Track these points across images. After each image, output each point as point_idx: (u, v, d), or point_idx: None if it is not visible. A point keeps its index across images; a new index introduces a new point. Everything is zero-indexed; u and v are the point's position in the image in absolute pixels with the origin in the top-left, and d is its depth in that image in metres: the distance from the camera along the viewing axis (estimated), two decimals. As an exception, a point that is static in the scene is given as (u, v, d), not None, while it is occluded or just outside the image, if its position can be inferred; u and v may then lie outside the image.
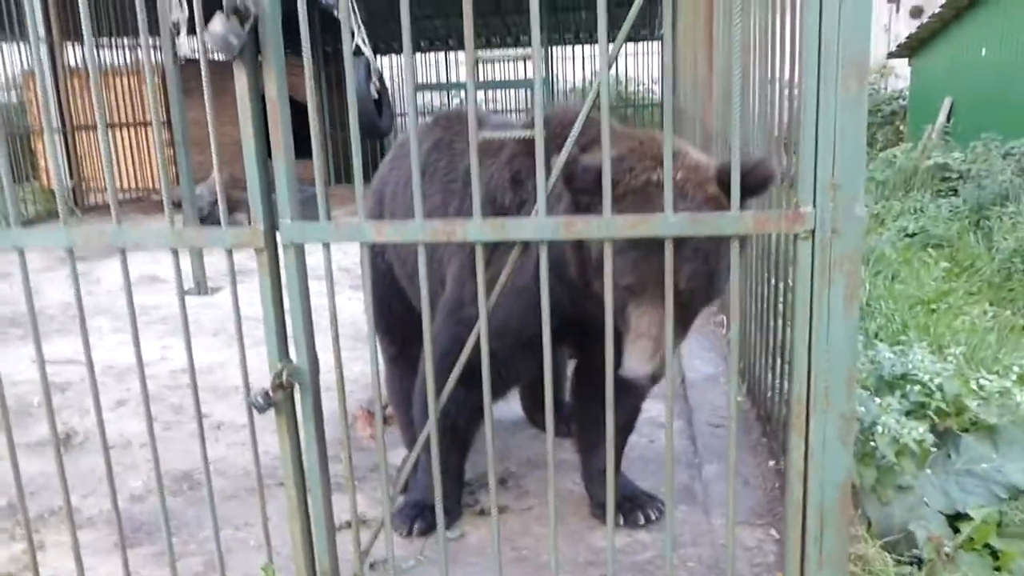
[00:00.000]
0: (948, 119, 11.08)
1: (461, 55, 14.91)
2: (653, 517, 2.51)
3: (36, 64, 1.95)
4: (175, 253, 1.96)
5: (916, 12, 16.36)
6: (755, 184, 1.80)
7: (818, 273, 1.68)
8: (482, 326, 1.85)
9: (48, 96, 2.08)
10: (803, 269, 1.70)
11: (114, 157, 11.47)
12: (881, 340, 3.88)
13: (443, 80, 15.37)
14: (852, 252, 1.67)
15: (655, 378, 1.98)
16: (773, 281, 2.92)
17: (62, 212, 2.04)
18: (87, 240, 2.01)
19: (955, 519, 2.59)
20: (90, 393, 3.72)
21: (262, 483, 2.07)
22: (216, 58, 1.84)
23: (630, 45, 14.03)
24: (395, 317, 2.89)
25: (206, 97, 1.87)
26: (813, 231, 1.67)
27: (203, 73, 1.85)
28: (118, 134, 11.35)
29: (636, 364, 1.94)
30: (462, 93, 14.58)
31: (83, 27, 1.87)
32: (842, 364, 1.73)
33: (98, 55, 11.31)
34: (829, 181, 1.63)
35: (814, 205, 1.66)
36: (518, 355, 2.30)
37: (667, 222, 1.70)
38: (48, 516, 2.76)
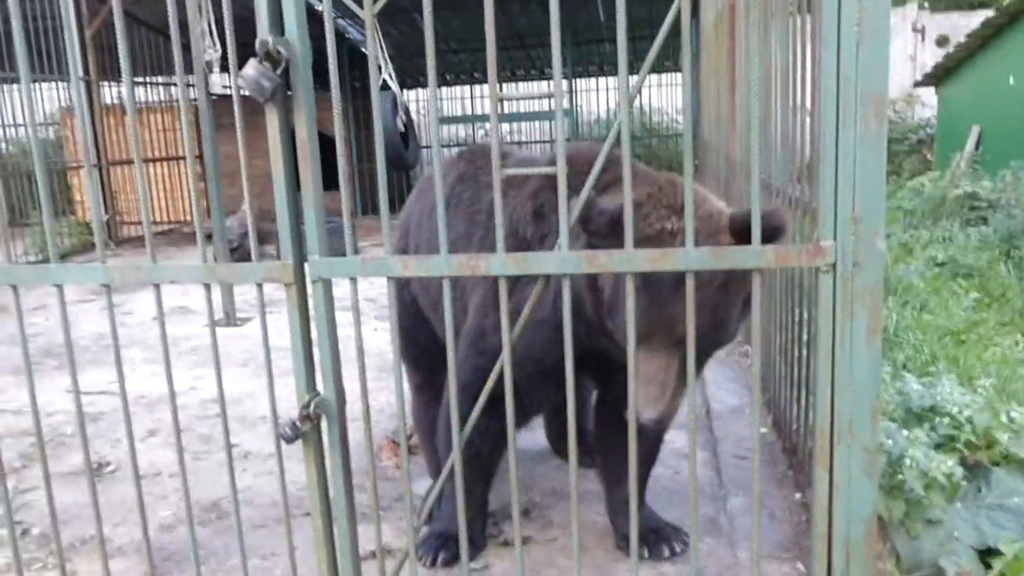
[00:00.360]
0: (976, 147, 11.00)
1: (486, 88, 15.12)
2: (678, 550, 2.50)
3: (76, 102, 2.04)
4: (207, 287, 2.02)
5: (942, 41, 16.32)
6: (766, 234, 1.83)
7: (840, 306, 1.69)
8: (505, 357, 1.87)
9: (87, 134, 2.16)
10: (825, 302, 1.71)
11: (153, 191, 11.74)
12: (909, 371, 3.84)
13: (468, 112, 15.56)
14: (874, 285, 1.68)
15: (662, 422, 1.99)
16: (798, 312, 2.92)
17: (100, 249, 2.11)
18: (123, 276, 2.07)
19: (986, 554, 2.55)
20: (121, 424, 3.80)
21: (288, 513, 2.10)
22: (242, 96, 1.91)
23: (654, 76, 14.14)
24: (420, 347, 2.93)
25: (239, 134, 1.94)
26: (834, 265, 1.68)
27: (236, 111, 1.92)
28: (151, 169, 11.61)
29: (642, 408, 1.98)
30: (487, 125, 14.78)
31: (122, 67, 1.95)
32: (866, 397, 1.73)
33: (133, 93, 11.63)
34: (850, 215, 1.65)
35: (835, 239, 1.67)
36: (538, 385, 2.33)
37: (688, 256, 1.72)
38: (80, 545, 2.81)
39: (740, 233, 1.85)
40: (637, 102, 14.74)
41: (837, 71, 1.62)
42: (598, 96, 14.74)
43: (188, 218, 12.33)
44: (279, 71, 1.82)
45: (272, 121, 1.88)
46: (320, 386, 2.00)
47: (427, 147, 14.18)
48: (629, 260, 1.74)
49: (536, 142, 14.82)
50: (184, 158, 12.14)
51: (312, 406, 1.93)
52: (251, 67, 1.82)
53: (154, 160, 11.66)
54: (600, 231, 1.91)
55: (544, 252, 1.79)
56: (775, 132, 3.30)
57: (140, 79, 11.53)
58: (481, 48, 13.01)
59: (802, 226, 2.74)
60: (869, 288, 1.68)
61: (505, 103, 14.59)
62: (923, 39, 16.70)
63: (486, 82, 14.93)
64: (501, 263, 1.78)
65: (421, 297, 2.86)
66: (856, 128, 1.63)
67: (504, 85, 14.90)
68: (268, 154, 1.91)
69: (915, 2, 16.82)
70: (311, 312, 1.96)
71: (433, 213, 1.91)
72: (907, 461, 2.62)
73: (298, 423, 1.91)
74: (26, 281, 2.16)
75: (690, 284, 1.72)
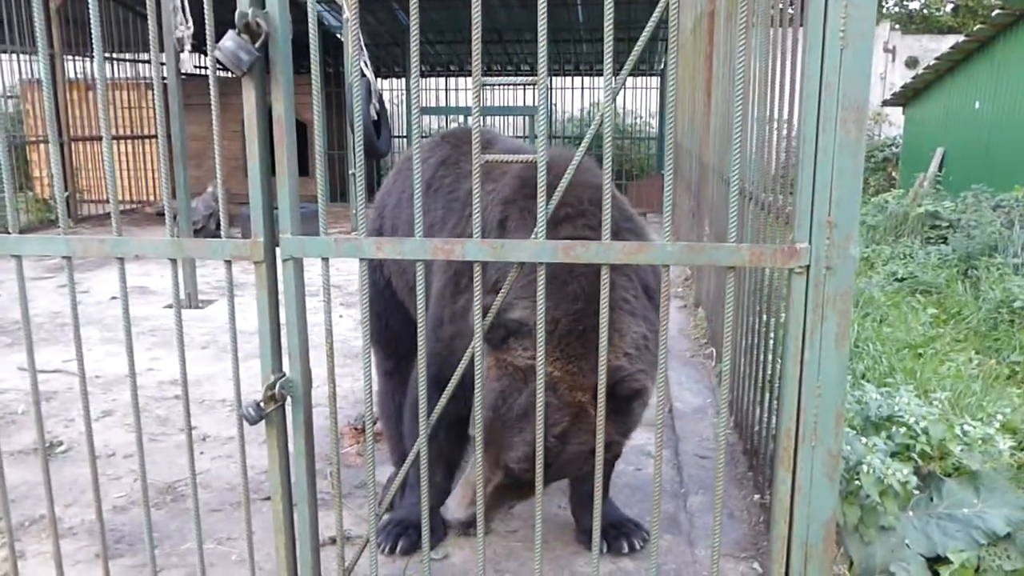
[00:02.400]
0: (940, 168, 11.25)
1: (462, 80, 15.07)
2: (637, 546, 2.51)
3: (44, 76, 1.98)
4: (174, 263, 1.97)
5: (912, 63, 16.67)
6: (624, 395, 1.91)
7: (811, 309, 1.71)
8: (476, 345, 1.86)
9: (51, 108, 2.10)
10: (796, 304, 1.73)
11: (115, 169, 11.48)
12: (868, 381, 3.91)
13: (443, 104, 15.52)
14: (845, 290, 1.70)
15: (467, 524, 2.03)
16: (764, 316, 2.95)
17: (62, 221, 2.05)
18: (86, 249, 2.01)
19: (935, 562, 2.60)
20: (74, 403, 3.70)
21: (248, 495, 2.06)
22: (216, 75, 1.87)
23: (629, 79, 14.23)
24: (392, 332, 2.90)
25: (213, 112, 1.90)
26: (808, 267, 1.70)
27: (212, 89, 1.87)
28: (115, 147, 11.37)
29: (452, 507, 2.08)
30: (460, 118, 14.70)
31: (94, 43, 1.90)
32: (831, 400, 1.75)
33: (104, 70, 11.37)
34: (825, 219, 1.67)
35: (810, 242, 1.69)
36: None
37: (664, 251, 1.73)
38: (29, 525, 2.73)
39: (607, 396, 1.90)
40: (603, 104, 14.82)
41: (820, 76, 1.64)
42: (573, 95, 14.78)
43: (151, 198, 12.11)
44: (258, 44, 1.78)
45: (248, 96, 1.84)
46: (286, 367, 1.97)
47: (399, 136, 14.10)
48: (605, 251, 1.74)
49: (517, 137, 14.83)
50: (150, 137, 11.94)
51: (277, 387, 1.90)
52: (229, 39, 1.78)
53: (119, 138, 11.43)
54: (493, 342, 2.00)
55: (520, 240, 1.78)
56: (750, 138, 3.33)
57: (107, 55, 11.28)
58: (458, 40, 12.97)
59: (774, 231, 2.77)
60: (840, 293, 1.70)
61: (482, 98, 14.57)
62: (893, 59, 17.05)
63: (462, 75, 14.95)
64: (476, 248, 1.77)
65: (396, 279, 2.83)
66: (836, 134, 1.64)
67: (486, 78, 14.89)
68: (236, 136, 1.88)
69: (887, 23, 17.16)
70: (279, 292, 1.93)
71: (412, 196, 1.90)
72: (864, 468, 2.67)
73: (262, 404, 1.87)
74: (-16, 249, 2.08)
75: (666, 275, 1.72)
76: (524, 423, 2.01)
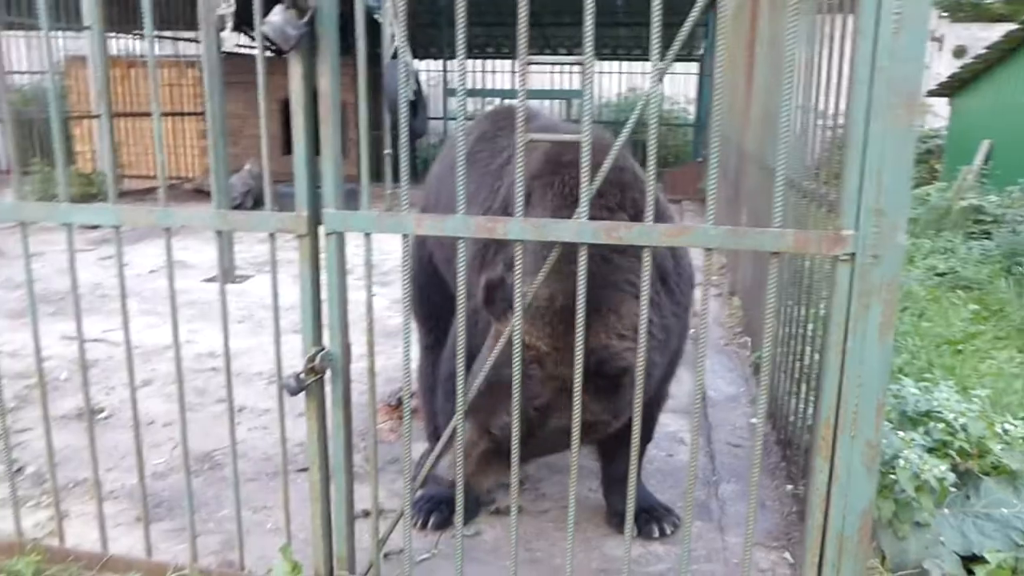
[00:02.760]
0: (986, 161, 10.98)
1: (499, 63, 14.99)
2: (668, 531, 2.51)
3: (97, 53, 2.02)
4: (219, 235, 2.01)
5: (959, 52, 16.25)
6: (609, 373, 1.93)
7: (855, 298, 1.69)
8: (515, 325, 1.86)
9: (101, 84, 2.15)
10: (840, 292, 1.71)
11: (150, 145, 11.66)
12: (905, 376, 3.85)
13: (480, 87, 15.48)
14: (891, 279, 1.67)
15: (452, 484, 2.04)
16: (802, 307, 2.92)
17: (111, 192, 2.09)
18: (134, 219, 2.06)
19: (970, 560, 2.56)
20: (115, 372, 3.78)
21: (287, 466, 2.10)
22: (254, 53, 1.89)
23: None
24: (433, 306, 2.92)
25: (260, 88, 1.92)
26: (853, 255, 1.67)
27: (259, 65, 1.89)
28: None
29: (442, 467, 2.07)
30: (497, 100, 14.65)
31: (145, 24, 1.92)
32: (873, 391, 1.73)
33: (137, 46, 11.51)
34: (873, 207, 1.64)
35: (856, 229, 1.67)
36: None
37: (707, 234, 1.72)
38: (72, 487, 2.81)
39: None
40: (645, 88, 14.68)
41: (872, 61, 1.61)
42: (610, 79, 14.65)
43: (189, 174, 12.26)
44: (305, 20, 1.79)
45: (294, 72, 1.85)
46: (326, 340, 1.99)
47: (435, 118, 14.10)
48: (648, 234, 1.73)
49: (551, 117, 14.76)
50: (188, 114, 12.07)
51: (318, 359, 1.93)
52: (277, 14, 1.79)
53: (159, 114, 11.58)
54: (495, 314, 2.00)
55: (563, 219, 1.78)
56: (794, 125, 3.29)
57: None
58: (496, 23, 12.89)
59: (816, 218, 2.73)
60: (887, 282, 1.67)
61: (526, 80, 14.51)
62: (940, 48, 16.63)
63: (499, 57, 14.85)
64: (519, 227, 1.77)
65: (437, 252, 2.85)
66: (886, 120, 1.61)
67: (514, 63, 14.80)
68: (272, 114, 1.90)
69: (935, 10, 16.74)
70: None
71: (453, 169, 1.91)
72: (900, 462, 2.63)
73: (303, 375, 1.90)
74: (36, 218, 2.14)
75: (709, 259, 1.71)
76: (510, 392, 2.00)
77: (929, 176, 12.82)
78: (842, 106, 2.55)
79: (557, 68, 14.77)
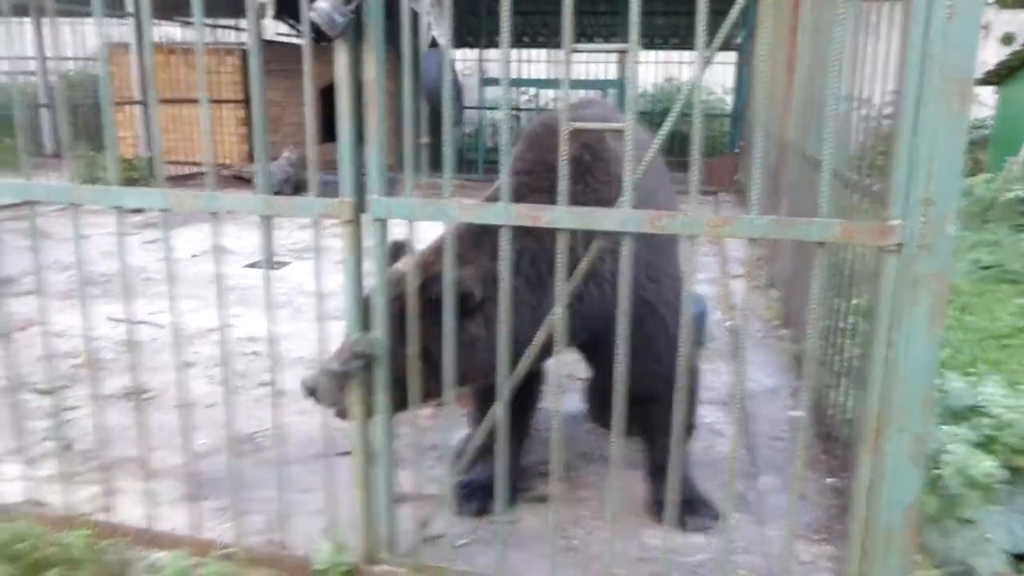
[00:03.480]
0: (1033, 152, 10.69)
1: (534, 52, 14.91)
2: (707, 525, 2.50)
3: (144, 40, 2.06)
4: (264, 220, 2.03)
5: (1007, 39, 15.81)
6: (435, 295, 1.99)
7: (902, 289, 1.67)
8: (557, 316, 1.87)
9: (146, 71, 2.19)
10: (887, 284, 1.69)
11: (189, 132, 11.84)
12: (949, 370, 3.78)
13: (515, 76, 15.44)
14: (940, 270, 1.65)
15: (312, 391, 2.12)
16: (843, 299, 2.88)
17: (159, 177, 2.14)
18: (182, 203, 2.09)
19: (1019, 559, 2.52)
20: (158, 353, 3.86)
21: (329, 449, 2.13)
22: (293, 41, 1.91)
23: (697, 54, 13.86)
24: None
25: (305, 75, 1.93)
26: (901, 245, 1.65)
27: (305, 51, 1.91)
28: (195, 109, 11.69)
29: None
30: (532, 90, 14.60)
31: (194, 16, 1.96)
32: (920, 384, 1.71)
33: (178, 33, 11.68)
34: (922, 196, 1.62)
35: (904, 219, 1.64)
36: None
37: (752, 224, 1.70)
38: (120, 464, 2.87)
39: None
40: (685, 78, 14.52)
41: (923, 47, 1.58)
42: (646, 69, 14.51)
43: (228, 161, 12.41)
44: (352, 7, 1.81)
45: (340, 59, 1.87)
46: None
47: (471, 107, 14.08)
48: (692, 223, 1.72)
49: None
50: (227, 101, 12.21)
51: (361, 345, 1.95)
52: (324, 1, 1.81)
53: (196, 101, 11.74)
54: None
55: (607, 208, 1.78)
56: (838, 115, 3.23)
57: (186, 20, 11.57)
58: (531, 11, 12.83)
59: (859, 209, 2.69)
60: (935, 273, 1.64)
61: (554, 71, 14.43)
62: (987, 36, 16.20)
63: (535, 46, 14.76)
64: (562, 216, 1.78)
65: None
66: (937, 107, 1.59)
67: (550, 52, 14.71)
68: (313, 102, 1.92)
69: (982, -3, 16.25)
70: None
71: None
72: (946, 457, 2.59)
73: (347, 360, 1.93)
74: (86, 201, 2.19)
75: (752, 250, 1.69)
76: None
77: (974, 167, 12.53)
78: (888, 95, 2.50)
79: (593, 57, 14.65)
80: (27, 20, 10.92)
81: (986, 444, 2.84)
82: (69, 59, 12.24)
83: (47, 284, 5.33)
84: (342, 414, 2.16)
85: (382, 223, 1.93)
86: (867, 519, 1.81)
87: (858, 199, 2.71)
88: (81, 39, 11.35)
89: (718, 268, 6.27)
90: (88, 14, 10.21)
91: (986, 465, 2.56)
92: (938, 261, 1.64)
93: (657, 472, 2.54)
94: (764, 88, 6.36)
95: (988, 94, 13.89)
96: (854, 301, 2.79)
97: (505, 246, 1.85)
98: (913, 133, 1.62)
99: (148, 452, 2.32)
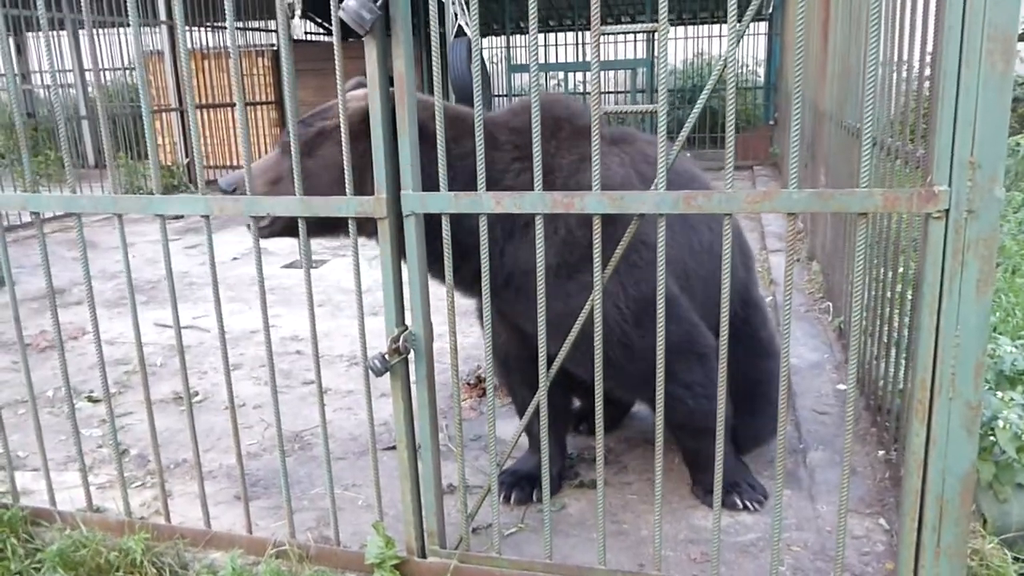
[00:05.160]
0: (1079, 106, 10.35)
1: (560, 36, 14.81)
2: (753, 505, 2.47)
3: (181, 47, 2.09)
4: (302, 221, 2.06)
5: (1047, -8, 15.29)
6: None
7: (951, 255, 1.63)
8: (596, 301, 1.86)
9: (183, 78, 2.22)
10: (934, 251, 1.65)
11: (226, 136, 12.00)
12: (1001, 334, 3.69)
13: (541, 61, 15.36)
14: (989, 235, 1.60)
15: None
16: (888, 269, 2.82)
17: (200, 183, 2.17)
18: (223, 208, 2.12)
19: (1077, 522, 2.46)
20: (205, 356, 3.93)
21: (375, 444, 2.15)
22: (322, 40, 1.92)
23: (726, 27, 13.62)
24: None
25: (338, 74, 1.94)
26: (947, 211, 1.61)
27: (336, 50, 1.92)
28: (229, 113, 11.85)
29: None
30: (560, 74, 14.50)
31: (227, 19, 1.98)
32: (971, 351, 1.67)
33: (209, 39, 11.82)
34: (968, 160, 1.57)
35: (949, 184, 1.60)
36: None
37: (791, 198, 1.68)
38: (173, 468, 2.95)
39: None
40: (715, 52, 14.30)
41: (964, 5, 1.53)
42: (675, 45, 14.34)
43: (264, 163, 12.55)
44: (380, 3, 1.81)
45: (370, 55, 1.88)
46: (408, 321, 2.03)
47: (500, 95, 14.05)
48: (729, 201, 1.70)
49: (612, 92, 14.54)
50: (260, 103, 12.33)
51: (401, 340, 1.97)
52: (351, -1, 1.81)
53: (232, 105, 11.88)
54: None
55: (642, 191, 1.76)
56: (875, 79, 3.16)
57: (218, 24, 11.71)
58: (556, -5, 12.76)
59: (901, 176, 2.63)
60: (983, 237, 1.60)
61: (578, 53, 14.33)
62: (1026, -11, 15.67)
63: (561, 30, 14.66)
64: (596, 201, 1.77)
65: None
66: (981, 68, 1.54)
67: (577, 34, 14.59)
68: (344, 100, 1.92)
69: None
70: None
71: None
72: (1000, 423, 2.54)
73: (387, 356, 1.94)
74: (131, 210, 2.23)
75: (792, 224, 1.67)
76: None
77: (1018, 125, 12.16)
78: (927, 57, 2.44)
79: (620, 37, 14.50)
80: (64, 32, 11.13)
81: (1042, 409, 2.78)
82: (107, 69, 12.45)
83: (95, 293, 5.49)
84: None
85: (418, 218, 1.94)
86: (921, 490, 1.78)
87: (900, 166, 2.64)
88: (116, 49, 11.53)
89: (757, 243, 6.19)
90: (122, 24, 10.41)
91: (1042, 430, 2.50)
92: (986, 225, 1.60)
93: (695, 460, 2.54)
94: (801, 57, 6.24)
95: (1031, 50, 13.45)
96: (900, 270, 2.73)
97: (540, 231, 1.85)
98: (956, 95, 1.57)
99: (200, 455, 2.37)
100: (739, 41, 1.69)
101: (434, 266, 2.05)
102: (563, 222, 2.09)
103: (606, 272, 1.87)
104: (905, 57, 2.68)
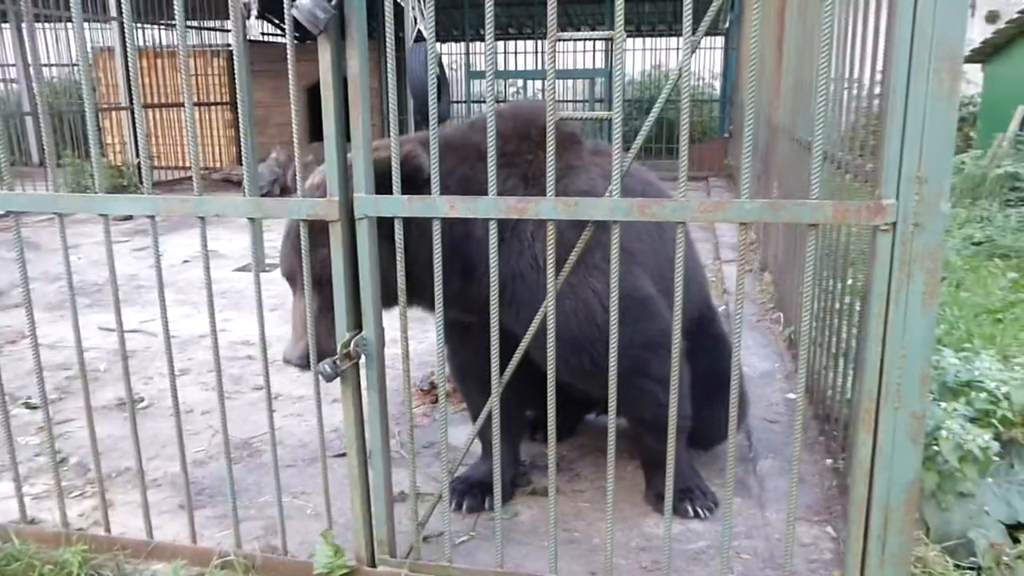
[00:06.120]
0: (1021, 127, 10.72)
1: (520, 44, 14.85)
2: (703, 514, 2.49)
3: (129, 47, 2.04)
4: (252, 223, 2.01)
5: (992, 17, 15.86)
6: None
7: (897, 267, 1.66)
8: (549, 306, 1.85)
9: (132, 76, 2.16)
10: (881, 263, 1.68)
11: (179, 137, 11.77)
12: (944, 347, 3.79)
13: (500, 68, 15.37)
14: (934, 248, 1.64)
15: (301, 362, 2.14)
16: (837, 280, 2.87)
17: (146, 182, 2.11)
18: (170, 208, 2.07)
19: (1015, 529, 2.53)
20: (152, 362, 3.83)
21: (325, 451, 2.11)
22: (278, 41, 1.89)
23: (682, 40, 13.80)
24: None
25: (291, 74, 1.91)
26: (895, 224, 1.64)
27: (288, 50, 1.88)
28: (181, 113, 11.62)
29: (288, 350, 2.20)
30: (520, 82, 14.55)
31: (176, 17, 1.93)
32: (916, 362, 1.70)
33: (163, 37, 11.59)
34: (915, 174, 1.61)
35: (897, 198, 1.63)
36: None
37: (743, 208, 1.69)
38: (115, 476, 2.86)
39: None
40: (671, 64, 14.47)
41: (913, 22, 1.56)
42: (633, 57, 14.47)
43: (217, 164, 12.35)
44: (334, 3, 1.78)
45: (324, 56, 1.85)
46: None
47: (458, 101, 14.03)
48: (682, 210, 1.71)
49: (571, 101, 14.61)
50: (214, 104, 12.13)
51: (352, 345, 1.93)
52: (305, -2, 1.78)
53: (183, 105, 11.68)
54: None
55: (596, 198, 1.76)
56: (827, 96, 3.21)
57: (172, 23, 11.49)
58: (516, 2, 12.79)
59: (850, 190, 2.68)
60: (930, 250, 1.64)
61: (537, 61, 14.39)
62: (972, 14, 16.23)
63: (520, 38, 14.71)
64: (551, 207, 1.76)
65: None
66: (928, 84, 1.57)
67: (536, 42, 14.65)
68: (299, 101, 1.89)
69: (965, -26, 16.26)
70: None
71: None
72: (943, 433, 2.59)
73: (338, 361, 1.91)
74: (72, 209, 2.16)
75: (744, 234, 1.68)
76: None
77: (964, 144, 12.55)
78: (877, 74, 2.49)
79: (580, 47, 14.60)
80: (7, 25, 10.82)
81: (981, 418, 2.85)
82: (53, 65, 12.13)
83: (37, 295, 5.32)
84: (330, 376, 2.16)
85: (371, 221, 1.91)
86: (868, 498, 1.80)
87: (850, 180, 2.70)
88: (65, 45, 11.25)
89: (710, 253, 6.27)
90: (70, 19, 10.14)
91: (982, 439, 2.56)
92: (932, 239, 1.63)
93: (653, 461, 2.54)
94: (755, 70, 6.35)
95: (975, 72, 13.91)
96: (848, 281, 2.78)
97: (493, 238, 1.84)
98: (904, 111, 1.60)
99: (143, 462, 2.30)
100: (693, 52, 1.70)
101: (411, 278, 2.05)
102: (554, 226, 2.10)
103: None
104: (856, 73, 2.73)
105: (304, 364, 2.12)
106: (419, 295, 2.17)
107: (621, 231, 1.80)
